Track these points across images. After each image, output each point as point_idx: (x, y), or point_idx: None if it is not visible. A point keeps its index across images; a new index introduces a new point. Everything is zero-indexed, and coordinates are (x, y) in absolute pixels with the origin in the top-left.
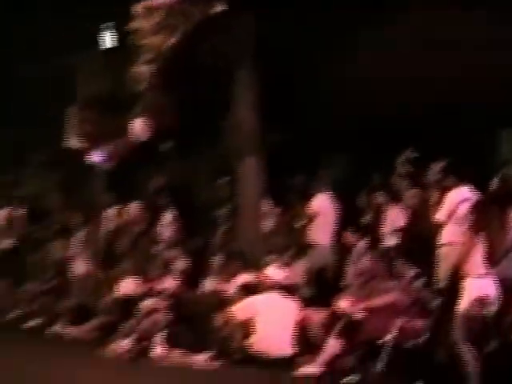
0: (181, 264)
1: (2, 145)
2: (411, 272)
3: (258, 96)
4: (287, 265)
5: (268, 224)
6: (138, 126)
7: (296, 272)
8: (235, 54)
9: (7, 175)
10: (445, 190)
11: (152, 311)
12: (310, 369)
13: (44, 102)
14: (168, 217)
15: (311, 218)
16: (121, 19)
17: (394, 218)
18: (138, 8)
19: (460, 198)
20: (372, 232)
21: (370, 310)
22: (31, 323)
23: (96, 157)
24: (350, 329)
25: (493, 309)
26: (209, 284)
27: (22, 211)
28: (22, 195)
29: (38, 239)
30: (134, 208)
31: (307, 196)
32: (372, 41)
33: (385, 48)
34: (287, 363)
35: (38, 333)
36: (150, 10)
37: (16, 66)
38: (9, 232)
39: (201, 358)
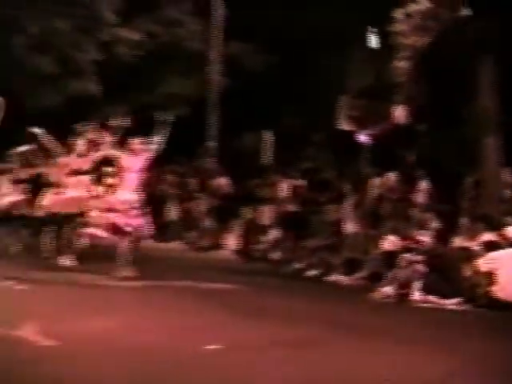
0: (434, 224)
1: (287, 129)
2: None
3: (497, 85)
4: None
5: (508, 191)
6: (399, 112)
7: None
8: (479, 50)
9: (292, 153)
10: None
11: (410, 263)
12: None
13: (321, 93)
14: (423, 185)
15: None
16: (383, 22)
17: None
18: (398, 13)
19: None
20: None
21: None
22: (312, 273)
23: (363, 137)
24: None
25: None
26: (458, 241)
27: (303, 181)
28: (304, 169)
29: (317, 204)
30: (393, 178)
31: None
32: None
33: None
34: None
35: (316, 281)
36: (408, 15)
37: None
38: (293, 198)
39: (451, 303)
